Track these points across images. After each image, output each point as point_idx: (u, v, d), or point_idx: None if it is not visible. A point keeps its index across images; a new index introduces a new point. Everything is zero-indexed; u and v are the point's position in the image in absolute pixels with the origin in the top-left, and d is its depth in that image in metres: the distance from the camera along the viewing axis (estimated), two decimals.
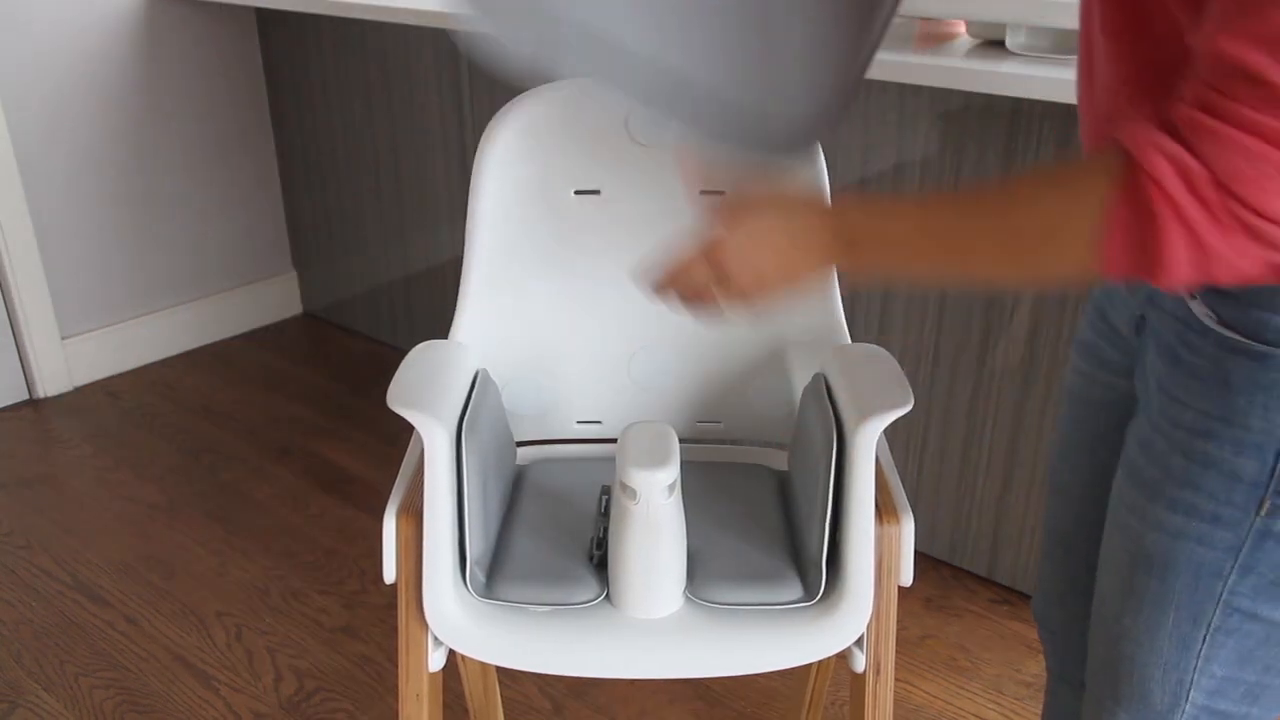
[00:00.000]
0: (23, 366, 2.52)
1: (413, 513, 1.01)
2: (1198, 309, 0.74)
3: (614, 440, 1.31)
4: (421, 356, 1.11)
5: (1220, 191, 0.60)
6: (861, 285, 1.83)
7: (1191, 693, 0.84)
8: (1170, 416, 0.78)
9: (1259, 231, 0.60)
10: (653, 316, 1.28)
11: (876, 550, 0.99)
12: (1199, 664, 0.82)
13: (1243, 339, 0.72)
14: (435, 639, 1.01)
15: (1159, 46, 0.69)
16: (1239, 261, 0.61)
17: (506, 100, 1.22)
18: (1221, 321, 0.73)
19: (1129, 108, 0.73)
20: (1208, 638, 0.81)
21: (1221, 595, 0.79)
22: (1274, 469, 0.73)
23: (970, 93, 1.61)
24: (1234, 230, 0.60)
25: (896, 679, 1.66)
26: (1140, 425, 0.82)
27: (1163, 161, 0.60)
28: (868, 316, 1.86)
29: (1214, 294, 0.73)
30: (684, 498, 1.10)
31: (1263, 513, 0.74)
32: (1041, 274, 0.69)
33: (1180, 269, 0.62)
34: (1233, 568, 0.77)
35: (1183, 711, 0.86)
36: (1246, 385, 0.72)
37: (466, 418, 1.06)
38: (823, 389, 1.12)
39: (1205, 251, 0.61)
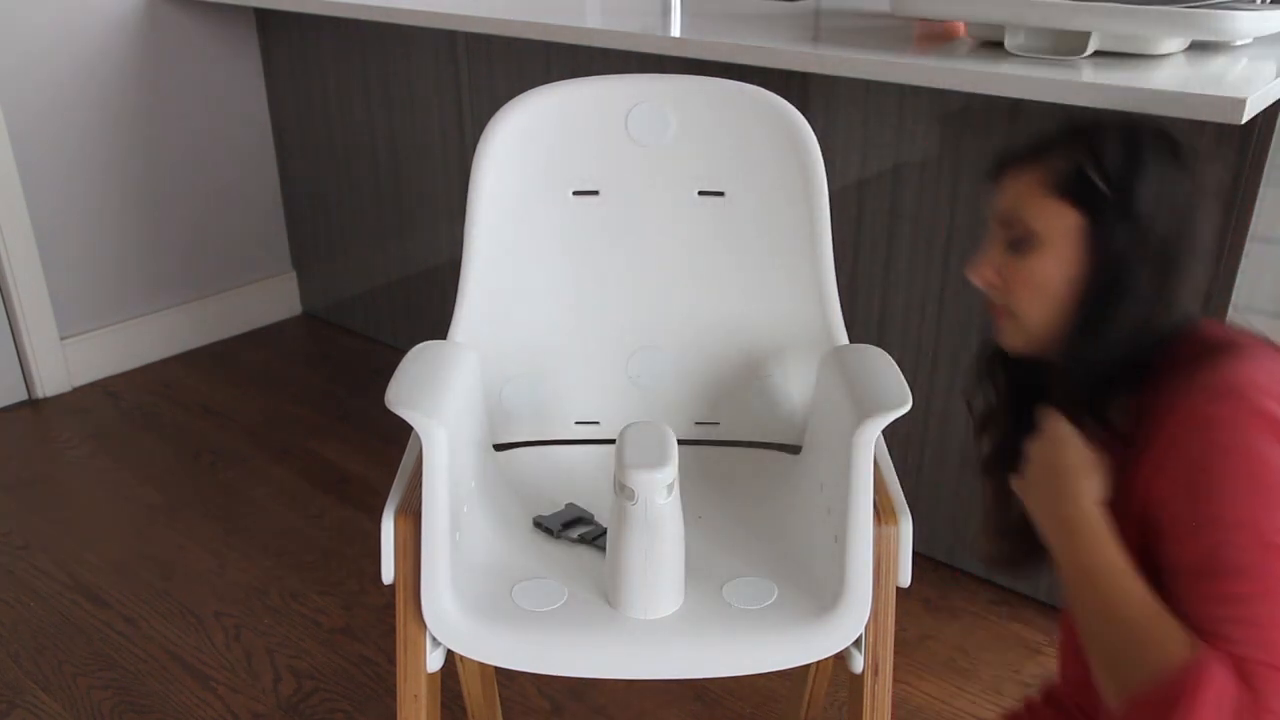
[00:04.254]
0: (21, 367, 2.52)
1: (411, 513, 1.01)
2: None
3: (613, 441, 1.31)
4: (420, 356, 1.11)
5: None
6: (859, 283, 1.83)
7: None
8: None
9: None
10: (651, 317, 1.28)
11: (875, 551, 0.99)
12: None
13: None
14: (433, 639, 1.01)
15: None
16: None
17: (506, 100, 1.22)
18: None
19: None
20: None
21: None
22: None
23: (970, 93, 1.61)
24: None
25: (895, 680, 1.66)
26: None
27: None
28: (867, 317, 1.85)
29: None
30: (683, 497, 1.10)
31: None
32: (1114, 661, 0.83)
33: None
34: None
35: None
36: None
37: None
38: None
39: None
